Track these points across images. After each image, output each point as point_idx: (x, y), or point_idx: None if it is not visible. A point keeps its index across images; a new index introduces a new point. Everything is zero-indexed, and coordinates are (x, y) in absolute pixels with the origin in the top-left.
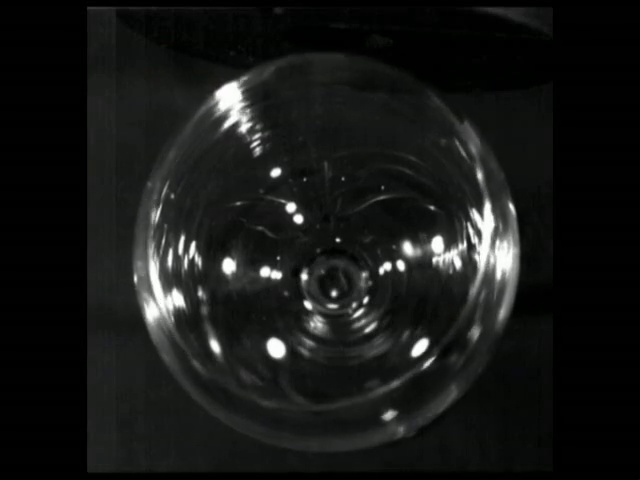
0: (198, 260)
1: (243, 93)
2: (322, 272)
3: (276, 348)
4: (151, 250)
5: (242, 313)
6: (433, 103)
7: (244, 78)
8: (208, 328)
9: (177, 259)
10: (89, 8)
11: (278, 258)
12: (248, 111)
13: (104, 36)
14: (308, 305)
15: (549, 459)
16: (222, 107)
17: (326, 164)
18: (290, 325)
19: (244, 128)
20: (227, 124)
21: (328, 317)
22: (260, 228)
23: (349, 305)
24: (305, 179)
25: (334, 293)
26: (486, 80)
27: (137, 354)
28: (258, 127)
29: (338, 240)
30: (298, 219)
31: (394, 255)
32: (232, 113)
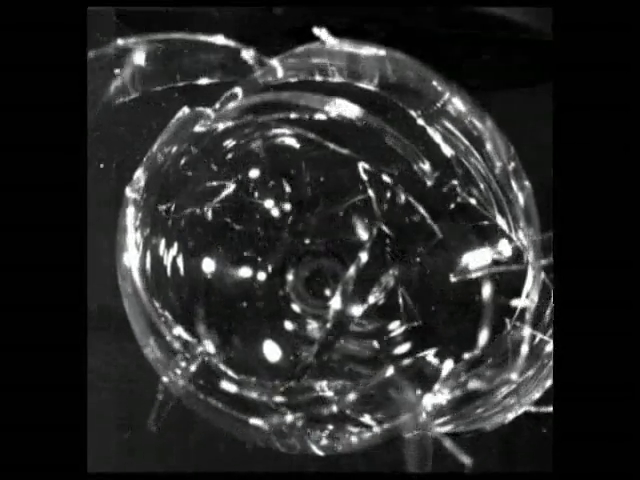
0: (180, 262)
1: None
2: (307, 273)
3: (269, 349)
4: (133, 253)
5: (226, 314)
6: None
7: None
8: (200, 329)
9: (159, 261)
10: (89, 8)
11: (259, 259)
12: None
13: (104, 36)
14: (294, 305)
15: (549, 459)
16: (203, 108)
17: (304, 164)
18: (277, 326)
19: (223, 128)
20: (206, 125)
21: (316, 317)
22: (240, 228)
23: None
24: (284, 179)
25: (320, 293)
26: (486, 80)
27: (137, 354)
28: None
29: (323, 240)
30: (280, 219)
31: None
32: (212, 114)
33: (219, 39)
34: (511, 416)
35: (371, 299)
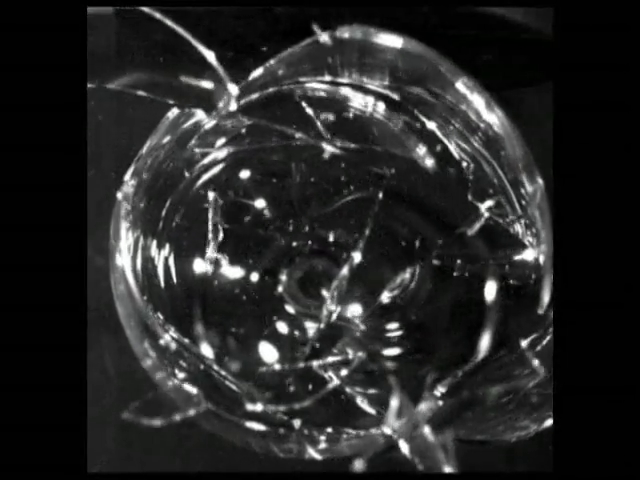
0: (172, 264)
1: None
2: (301, 273)
3: (264, 350)
4: (125, 256)
5: (219, 316)
6: None
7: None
8: (195, 330)
9: (150, 262)
10: (89, 8)
11: (251, 261)
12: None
13: (104, 36)
14: (288, 306)
15: (549, 459)
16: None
17: (294, 165)
18: (272, 327)
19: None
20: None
21: (310, 317)
22: (233, 229)
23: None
24: (275, 180)
25: (314, 293)
26: (487, 80)
27: (137, 354)
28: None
29: (315, 240)
30: (271, 220)
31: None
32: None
33: (210, 56)
34: (534, 430)
35: (384, 297)
